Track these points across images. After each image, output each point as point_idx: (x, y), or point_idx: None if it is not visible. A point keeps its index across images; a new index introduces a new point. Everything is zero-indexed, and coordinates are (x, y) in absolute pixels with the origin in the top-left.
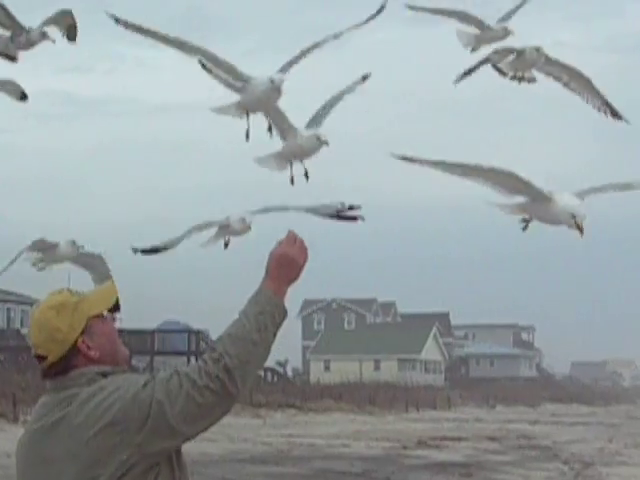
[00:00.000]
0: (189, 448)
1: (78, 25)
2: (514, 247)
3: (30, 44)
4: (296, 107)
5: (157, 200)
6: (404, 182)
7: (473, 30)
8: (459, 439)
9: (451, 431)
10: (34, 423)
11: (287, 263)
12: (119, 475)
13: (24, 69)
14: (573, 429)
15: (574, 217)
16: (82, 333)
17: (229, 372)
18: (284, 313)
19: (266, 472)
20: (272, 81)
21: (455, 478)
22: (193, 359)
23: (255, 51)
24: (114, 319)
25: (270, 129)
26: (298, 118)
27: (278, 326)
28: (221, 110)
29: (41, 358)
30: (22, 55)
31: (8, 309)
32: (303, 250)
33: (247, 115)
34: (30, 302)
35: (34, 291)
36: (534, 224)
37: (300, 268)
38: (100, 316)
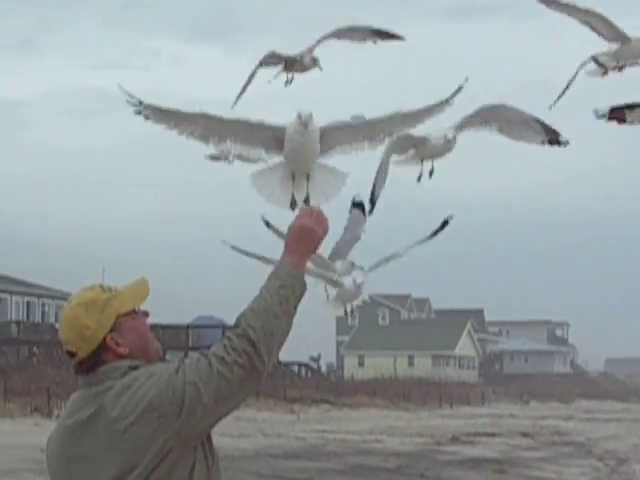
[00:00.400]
0: (223, 444)
1: (120, 22)
2: (548, 243)
3: (304, 70)
4: (336, 103)
5: (192, 196)
6: (437, 178)
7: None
8: (493, 435)
9: (485, 427)
10: (67, 419)
11: (305, 235)
12: (157, 461)
13: (60, 66)
14: (607, 425)
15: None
16: (111, 330)
17: (254, 345)
18: (304, 286)
19: (300, 467)
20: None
21: (488, 474)
22: None
23: (286, 47)
24: (146, 314)
25: None
26: (340, 113)
27: (299, 299)
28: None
29: (71, 354)
30: (57, 52)
31: (43, 304)
32: (321, 221)
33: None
34: (64, 297)
35: (68, 286)
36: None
37: (319, 239)
38: (131, 312)
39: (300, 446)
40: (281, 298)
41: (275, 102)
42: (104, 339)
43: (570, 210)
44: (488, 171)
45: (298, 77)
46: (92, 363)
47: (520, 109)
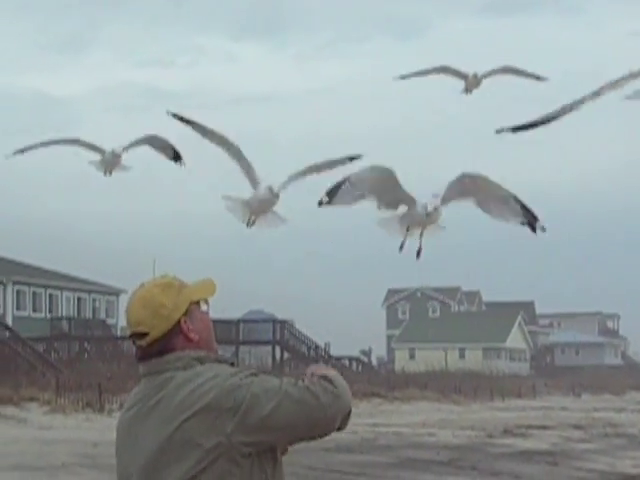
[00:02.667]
0: None
1: (166, 20)
2: (598, 234)
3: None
4: (377, 96)
5: (241, 193)
6: (484, 168)
7: None
8: (545, 427)
9: (537, 420)
10: (128, 411)
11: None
12: (208, 461)
13: (108, 64)
14: None
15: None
16: (185, 314)
17: (332, 383)
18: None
19: (352, 461)
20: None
21: (541, 466)
22: (278, 349)
23: (332, 43)
24: (207, 313)
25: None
26: (376, 108)
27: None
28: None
29: (141, 336)
30: (105, 50)
31: (94, 299)
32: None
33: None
34: (115, 292)
35: (119, 282)
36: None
37: None
38: (198, 304)
39: (352, 440)
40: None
41: None
42: (178, 322)
43: (621, 200)
44: (536, 162)
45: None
46: (162, 346)
47: (501, 186)
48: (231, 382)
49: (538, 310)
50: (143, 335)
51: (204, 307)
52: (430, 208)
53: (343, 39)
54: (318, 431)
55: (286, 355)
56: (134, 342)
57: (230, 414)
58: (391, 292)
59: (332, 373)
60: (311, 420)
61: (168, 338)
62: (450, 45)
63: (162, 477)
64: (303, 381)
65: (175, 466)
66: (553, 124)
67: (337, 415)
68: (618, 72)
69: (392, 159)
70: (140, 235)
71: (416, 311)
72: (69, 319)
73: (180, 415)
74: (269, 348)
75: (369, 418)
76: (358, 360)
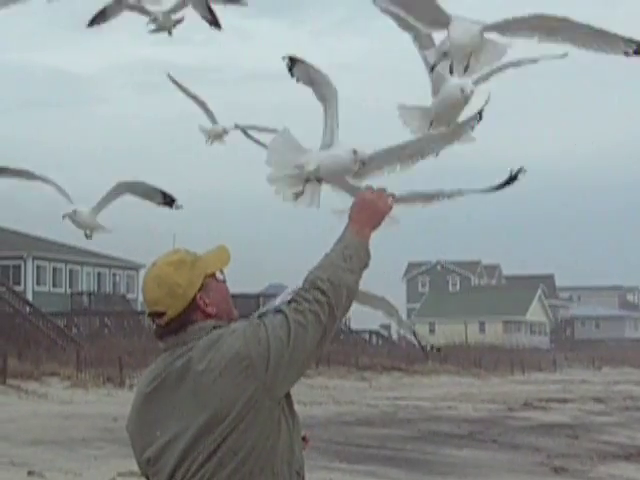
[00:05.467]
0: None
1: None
2: (618, 207)
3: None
4: (393, 71)
5: (259, 168)
6: (509, 143)
7: None
8: (565, 401)
9: (557, 393)
10: (148, 386)
11: (367, 206)
12: (246, 412)
13: (123, 41)
14: None
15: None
16: (200, 289)
17: (324, 293)
18: (368, 252)
19: (372, 434)
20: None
21: (561, 439)
22: None
23: (347, 20)
24: (224, 281)
25: None
26: (392, 83)
27: (363, 261)
28: None
29: (158, 315)
30: (120, 28)
31: (114, 274)
32: (383, 197)
33: None
34: (135, 267)
35: (139, 256)
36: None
37: (382, 212)
38: (214, 276)
39: (372, 413)
40: (345, 256)
41: None
42: (194, 298)
43: None
44: (556, 136)
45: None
46: (181, 322)
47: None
48: (252, 330)
49: (558, 283)
50: (161, 314)
51: (220, 276)
52: (468, 88)
53: (358, 15)
54: (325, 343)
55: None
56: (153, 320)
57: (262, 360)
58: (411, 266)
59: (323, 276)
60: (320, 337)
61: (186, 315)
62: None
63: (210, 438)
64: (299, 301)
65: (220, 424)
66: (575, 96)
67: (337, 321)
68: None
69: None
70: (158, 211)
71: (436, 285)
72: (89, 294)
73: (211, 374)
74: None
75: (389, 391)
76: (378, 334)
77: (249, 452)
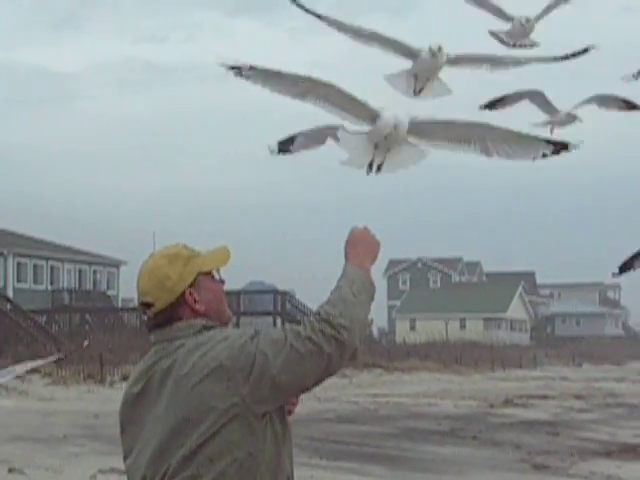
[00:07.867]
0: None
1: None
2: (598, 204)
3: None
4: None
5: (239, 166)
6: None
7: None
8: (545, 397)
9: (537, 390)
10: (134, 386)
11: (359, 241)
12: (222, 423)
13: (104, 40)
14: None
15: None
16: (191, 285)
17: (334, 327)
18: (373, 284)
19: (353, 431)
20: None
21: (542, 436)
22: (279, 319)
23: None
24: (222, 282)
25: None
26: (370, 82)
27: (370, 295)
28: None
29: (147, 306)
30: (101, 26)
31: (94, 271)
32: (369, 231)
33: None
34: (116, 264)
35: (120, 253)
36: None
37: (374, 245)
38: (210, 274)
39: (353, 410)
40: (354, 291)
41: None
42: (183, 293)
43: (621, 169)
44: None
45: None
46: (168, 316)
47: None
48: (241, 343)
49: (539, 280)
50: (149, 305)
51: (217, 275)
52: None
53: (337, 14)
54: (326, 377)
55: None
56: (144, 312)
57: (244, 374)
58: (392, 263)
59: (335, 312)
60: (318, 370)
61: (174, 309)
62: (447, 20)
63: (180, 443)
64: (305, 327)
65: (192, 430)
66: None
67: (342, 359)
68: (613, 48)
69: None
70: (139, 208)
71: (417, 282)
72: (70, 291)
73: (193, 378)
74: (270, 319)
75: (370, 388)
76: None
77: (229, 463)
